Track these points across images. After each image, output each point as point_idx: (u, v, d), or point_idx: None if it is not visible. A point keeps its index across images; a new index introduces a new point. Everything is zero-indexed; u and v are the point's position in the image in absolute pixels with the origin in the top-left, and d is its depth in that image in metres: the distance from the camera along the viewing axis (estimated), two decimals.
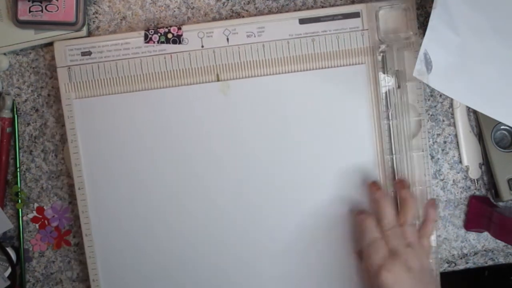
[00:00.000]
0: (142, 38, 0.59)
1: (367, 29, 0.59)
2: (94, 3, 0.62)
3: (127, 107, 0.59)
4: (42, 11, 0.59)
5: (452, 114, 0.63)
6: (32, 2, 0.59)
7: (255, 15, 0.62)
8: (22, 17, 0.60)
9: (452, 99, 0.63)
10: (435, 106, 0.63)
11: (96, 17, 0.62)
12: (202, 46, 0.59)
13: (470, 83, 0.53)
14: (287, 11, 0.62)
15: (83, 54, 0.59)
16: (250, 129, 0.60)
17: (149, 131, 0.60)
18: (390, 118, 0.59)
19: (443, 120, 0.63)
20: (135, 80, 0.60)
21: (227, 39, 0.59)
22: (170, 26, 0.59)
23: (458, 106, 0.63)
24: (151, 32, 0.59)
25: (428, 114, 0.63)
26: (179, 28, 0.59)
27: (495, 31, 0.52)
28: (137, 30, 0.62)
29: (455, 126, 0.63)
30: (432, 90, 0.62)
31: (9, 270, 0.61)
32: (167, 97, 0.59)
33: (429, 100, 0.63)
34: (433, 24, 0.53)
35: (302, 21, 0.59)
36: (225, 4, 0.62)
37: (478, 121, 0.62)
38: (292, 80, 0.59)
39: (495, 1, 0.52)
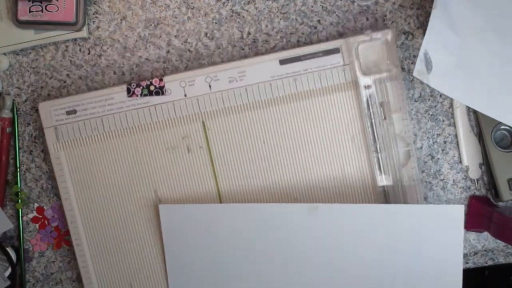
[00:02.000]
0: (125, 93, 0.59)
1: (348, 64, 0.59)
2: (94, 3, 0.62)
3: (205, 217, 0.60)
4: (42, 11, 0.60)
5: (452, 114, 0.63)
6: (32, 2, 0.59)
7: (255, 15, 0.62)
8: (22, 17, 0.60)
9: (452, 99, 0.63)
10: (435, 106, 0.63)
11: (96, 17, 0.62)
12: (185, 95, 0.59)
13: (470, 83, 0.53)
14: (287, 11, 0.62)
15: (68, 113, 0.59)
16: (336, 253, 0.59)
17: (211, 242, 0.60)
18: (379, 150, 0.59)
19: (443, 120, 0.63)
20: (122, 134, 0.60)
21: (210, 86, 0.59)
22: (152, 78, 0.59)
23: (458, 106, 0.63)
24: (133, 85, 0.59)
25: (428, 114, 0.63)
26: (161, 80, 0.59)
27: (495, 31, 0.52)
28: (137, 30, 0.62)
29: (455, 126, 0.63)
30: (432, 90, 0.62)
31: (9, 270, 0.61)
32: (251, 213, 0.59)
33: (429, 100, 0.63)
34: (433, 24, 0.53)
35: (283, 62, 0.59)
36: (225, 4, 0.62)
37: (478, 121, 0.62)
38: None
39: (495, 1, 0.52)
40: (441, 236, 0.58)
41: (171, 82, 0.59)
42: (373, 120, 0.59)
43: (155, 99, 0.59)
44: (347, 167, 0.60)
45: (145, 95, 0.59)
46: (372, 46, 0.58)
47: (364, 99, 0.59)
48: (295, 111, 0.59)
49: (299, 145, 0.60)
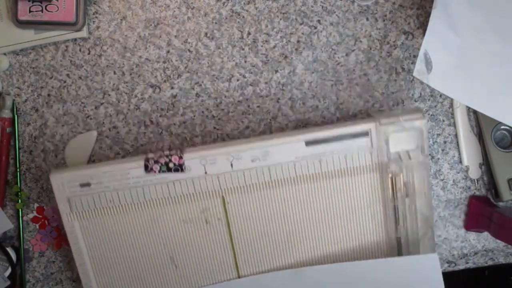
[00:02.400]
0: (142, 169, 0.57)
1: (375, 148, 0.57)
2: (94, 3, 0.62)
3: None
4: (42, 11, 0.59)
5: (452, 114, 0.63)
6: (32, 2, 0.59)
7: (255, 15, 0.62)
8: (22, 17, 0.60)
9: (452, 99, 0.63)
10: (435, 106, 0.63)
11: (96, 17, 0.62)
12: (206, 173, 0.57)
13: (470, 83, 0.53)
14: (287, 11, 0.62)
15: (82, 185, 0.57)
16: None
17: None
18: (399, 228, 0.59)
19: (443, 120, 0.63)
20: (138, 206, 0.58)
21: (231, 164, 0.57)
22: (171, 155, 0.57)
23: (458, 106, 0.63)
24: (151, 162, 0.57)
25: (428, 114, 0.63)
26: (180, 157, 0.56)
27: (495, 31, 0.52)
28: (137, 30, 0.62)
29: (455, 126, 0.63)
30: (432, 90, 0.62)
31: (9, 270, 0.61)
32: None
33: (429, 100, 0.63)
34: (433, 24, 0.53)
35: (309, 143, 0.57)
36: (225, 4, 0.62)
37: (478, 121, 0.62)
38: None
39: (495, 1, 0.52)
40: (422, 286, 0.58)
41: (191, 160, 0.57)
42: (395, 200, 0.58)
43: (173, 175, 0.57)
44: (365, 243, 0.60)
45: (163, 171, 0.57)
46: (402, 132, 0.56)
47: (389, 183, 0.58)
48: (317, 189, 0.58)
49: (318, 221, 0.59)
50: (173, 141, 0.63)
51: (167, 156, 0.57)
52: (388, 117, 0.56)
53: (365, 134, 0.56)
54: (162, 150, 0.58)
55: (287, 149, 0.57)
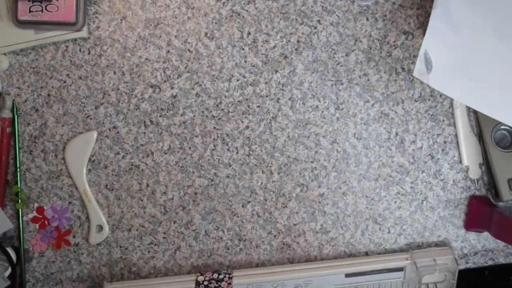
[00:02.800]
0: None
1: (407, 280, 0.63)
2: (94, 3, 0.62)
3: None
4: (42, 11, 0.60)
5: (452, 114, 0.63)
6: (32, 2, 0.59)
7: (255, 15, 0.62)
8: (22, 17, 0.60)
9: (452, 99, 0.63)
10: (435, 106, 0.63)
11: (96, 17, 0.62)
12: None
13: (470, 83, 0.53)
14: (287, 11, 0.62)
15: None
16: None
17: None
18: None
19: (443, 120, 0.63)
20: None
21: None
22: (220, 281, 0.62)
23: (458, 106, 0.63)
24: (202, 286, 0.62)
25: (428, 114, 0.63)
26: (229, 284, 0.62)
27: (495, 31, 0.52)
28: (137, 30, 0.62)
29: (455, 126, 0.63)
30: (432, 90, 0.62)
31: (9, 270, 0.61)
32: None
33: (429, 100, 0.63)
34: (433, 24, 0.53)
35: (348, 275, 0.62)
36: (225, 4, 0.62)
37: (478, 121, 0.62)
38: None
39: (495, 1, 0.52)
40: None
41: (238, 286, 0.62)
42: None
43: None
44: None
45: None
46: (434, 269, 0.62)
47: None
48: None
49: None
50: (173, 141, 0.63)
51: (216, 281, 0.61)
52: (423, 257, 0.62)
53: (400, 269, 0.63)
54: (212, 272, 0.63)
55: (328, 279, 0.63)
